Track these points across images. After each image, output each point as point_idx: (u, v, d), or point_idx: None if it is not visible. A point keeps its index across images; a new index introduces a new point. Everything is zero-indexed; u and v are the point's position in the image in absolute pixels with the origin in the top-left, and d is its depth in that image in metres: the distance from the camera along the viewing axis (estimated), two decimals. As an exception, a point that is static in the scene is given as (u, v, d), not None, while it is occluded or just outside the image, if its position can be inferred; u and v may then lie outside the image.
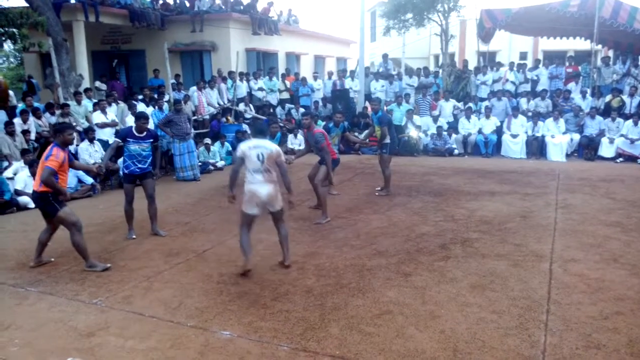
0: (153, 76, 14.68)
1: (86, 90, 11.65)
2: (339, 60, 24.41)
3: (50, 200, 5.10)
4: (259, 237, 6.22)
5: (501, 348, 3.56)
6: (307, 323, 4.00)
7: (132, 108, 10.65)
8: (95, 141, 9.68)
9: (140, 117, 6.28)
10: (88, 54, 14.59)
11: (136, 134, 6.14)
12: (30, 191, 8.00)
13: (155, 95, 12.12)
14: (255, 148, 4.98)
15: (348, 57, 25.40)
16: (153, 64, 15.70)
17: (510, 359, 3.44)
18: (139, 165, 6.21)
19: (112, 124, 10.31)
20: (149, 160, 6.29)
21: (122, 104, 11.18)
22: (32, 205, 8.04)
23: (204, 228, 6.77)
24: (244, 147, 5.04)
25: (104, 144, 9.92)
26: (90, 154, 9.50)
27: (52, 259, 5.54)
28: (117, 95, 11.94)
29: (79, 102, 10.63)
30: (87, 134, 9.74)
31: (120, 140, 6.22)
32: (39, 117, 9.84)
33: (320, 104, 14.89)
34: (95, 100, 11.03)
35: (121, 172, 6.78)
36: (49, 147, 5.21)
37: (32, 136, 9.42)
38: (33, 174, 8.28)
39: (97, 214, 7.60)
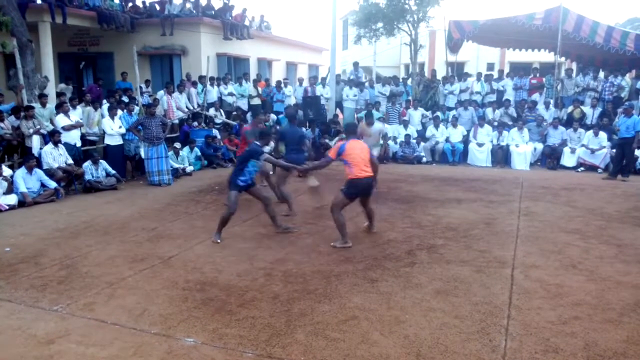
0: (121, 79, 14.45)
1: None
2: (310, 67, 24.48)
3: None
4: (226, 242, 6.20)
5: (463, 352, 3.63)
6: (272, 329, 3.99)
7: (112, 110, 10.53)
8: (59, 145, 9.45)
9: None
10: (54, 55, 14.27)
11: None
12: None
13: (125, 99, 11.94)
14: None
15: (320, 64, 25.50)
16: (121, 67, 15.42)
17: (472, 363, 3.51)
18: None
19: (77, 125, 10.11)
20: None
21: (89, 107, 10.96)
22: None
23: (170, 234, 6.67)
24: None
25: (70, 147, 9.72)
26: (55, 157, 9.26)
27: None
28: (90, 97, 11.69)
29: (43, 105, 10.35)
30: (52, 137, 9.50)
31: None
32: (1, 120, 9.56)
33: (292, 110, 14.86)
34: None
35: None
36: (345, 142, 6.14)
37: (-6, 139, 9.15)
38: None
39: (61, 219, 7.43)
